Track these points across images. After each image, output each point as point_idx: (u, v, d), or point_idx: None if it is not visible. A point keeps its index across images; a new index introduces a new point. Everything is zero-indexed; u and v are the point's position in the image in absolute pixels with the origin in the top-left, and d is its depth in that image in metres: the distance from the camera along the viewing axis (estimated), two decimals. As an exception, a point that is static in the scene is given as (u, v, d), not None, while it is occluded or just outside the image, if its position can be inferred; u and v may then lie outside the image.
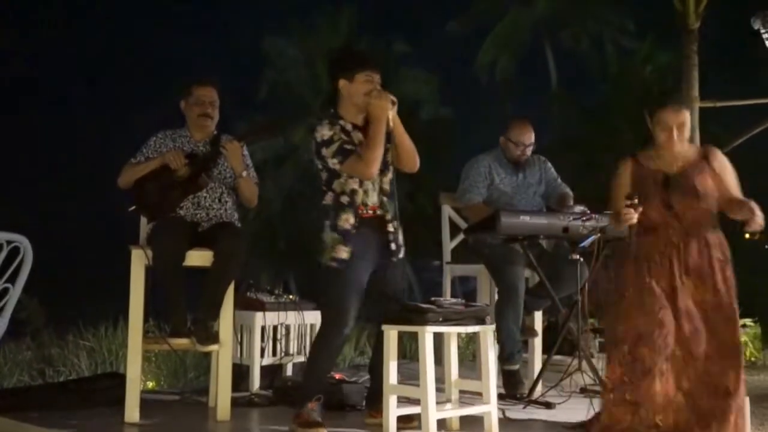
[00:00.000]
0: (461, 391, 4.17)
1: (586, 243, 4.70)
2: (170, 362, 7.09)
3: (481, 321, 4.01)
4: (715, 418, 3.49)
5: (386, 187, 4.05)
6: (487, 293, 5.23)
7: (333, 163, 3.94)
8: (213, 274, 4.22)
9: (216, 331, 4.25)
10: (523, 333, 5.07)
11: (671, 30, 6.60)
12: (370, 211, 4.01)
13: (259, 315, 5.09)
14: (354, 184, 3.97)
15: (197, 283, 4.31)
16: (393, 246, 4.04)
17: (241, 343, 5.11)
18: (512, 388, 4.90)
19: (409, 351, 6.64)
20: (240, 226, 4.57)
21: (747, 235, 3.72)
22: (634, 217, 3.69)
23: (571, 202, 5.16)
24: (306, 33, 25.18)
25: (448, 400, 4.06)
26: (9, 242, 3.99)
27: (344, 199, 3.96)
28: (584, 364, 4.77)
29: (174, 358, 6.82)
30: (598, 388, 4.76)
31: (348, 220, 3.94)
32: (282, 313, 5.17)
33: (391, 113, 3.91)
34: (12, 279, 4.03)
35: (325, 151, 3.95)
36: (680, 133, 3.74)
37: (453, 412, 4.03)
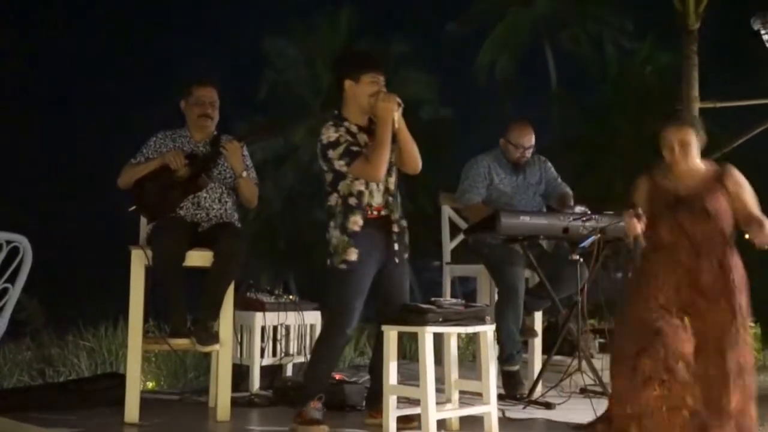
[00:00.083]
0: (461, 392, 4.18)
1: (586, 243, 4.69)
2: (170, 362, 7.09)
3: (480, 321, 4.01)
4: None
5: (391, 187, 4.05)
6: (487, 294, 5.23)
7: (340, 165, 3.94)
8: (213, 274, 4.22)
9: (216, 331, 4.25)
10: (523, 333, 5.07)
11: (671, 30, 6.60)
12: (375, 212, 4.01)
13: (259, 315, 5.09)
14: (360, 186, 3.97)
15: (197, 283, 4.31)
16: (397, 246, 4.04)
17: (241, 344, 5.11)
18: (512, 388, 4.90)
19: (409, 351, 6.64)
20: (240, 227, 4.57)
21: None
22: (637, 227, 3.70)
23: (572, 202, 5.16)
24: (306, 33, 25.18)
25: (448, 401, 4.07)
26: (8, 242, 3.98)
27: (352, 200, 3.96)
28: (584, 364, 4.77)
29: (174, 358, 6.83)
30: (598, 388, 4.77)
31: (357, 222, 3.94)
32: (282, 314, 5.16)
33: (397, 115, 3.91)
34: (12, 279, 4.03)
35: (331, 153, 3.95)
36: (683, 150, 3.72)
37: (453, 413, 4.03)
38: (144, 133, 4.63)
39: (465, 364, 5.73)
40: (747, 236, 3.67)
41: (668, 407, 3.47)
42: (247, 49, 27.41)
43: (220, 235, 4.28)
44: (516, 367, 4.97)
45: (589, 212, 4.85)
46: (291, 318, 5.21)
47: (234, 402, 4.34)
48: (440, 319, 3.83)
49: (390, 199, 4.05)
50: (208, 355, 4.89)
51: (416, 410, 3.85)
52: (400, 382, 4.04)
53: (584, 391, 4.73)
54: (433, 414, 3.75)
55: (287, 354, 5.22)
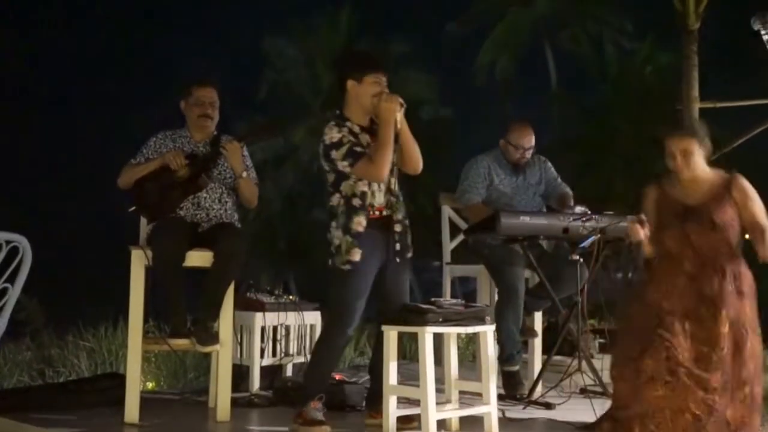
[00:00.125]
0: (461, 392, 4.18)
1: (586, 244, 4.70)
2: (170, 363, 7.08)
3: (481, 321, 4.01)
4: None
5: (393, 187, 4.05)
6: (486, 294, 5.23)
7: (343, 165, 3.94)
8: (213, 274, 4.22)
9: (216, 331, 4.25)
10: (523, 333, 5.07)
11: (671, 30, 6.60)
12: (377, 212, 4.01)
13: (259, 315, 5.09)
14: (364, 187, 3.97)
15: (197, 283, 4.31)
16: (399, 246, 4.04)
17: (240, 344, 5.11)
18: (512, 388, 4.90)
19: (408, 351, 6.63)
20: (240, 227, 4.57)
21: None
22: (640, 233, 3.72)
23: (572, 203, 5.16)
24: (306, 33, 25.18)
25: (448, 401, 4.06)
26: (8, 242, 3.98)
27: (356, 201, 3.96)
28: (584, 364, 4.77)
29: (174, 358, 6.82)
30: (598, 388, 4.77)
31: (360, 223, 3.94)
32: (282, 314, 5.16)
33: (399, 115, 3.91)
34: (11, 279, 4.02)
35: (334, 154, 3.94)
36: (685, 159, 3.71)
37: (453, 413, 4.03)
38: (144, 133, 4.63)
39: (465, 364, 5.72)
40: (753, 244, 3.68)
41: (671, 409, 3.47)
42: (247, 49, 27.42)
43: (220, 235, 4.28)
44: (516, 368, 4.97)
45: (589, 212, 4.85)
46: (291, 318, 5.21)
47: (234, 402, 4.34)
48: (440, 320, 3.83)
49: (392, 199, 4.05)
50: (208, 355, 4.89)
51: (416, 410, 3.85)
52: (400, 382, 4.04)
53: (584, 392, 4.73)
54: (433, 414, 3.75)
55: (287, 354, 5.22)
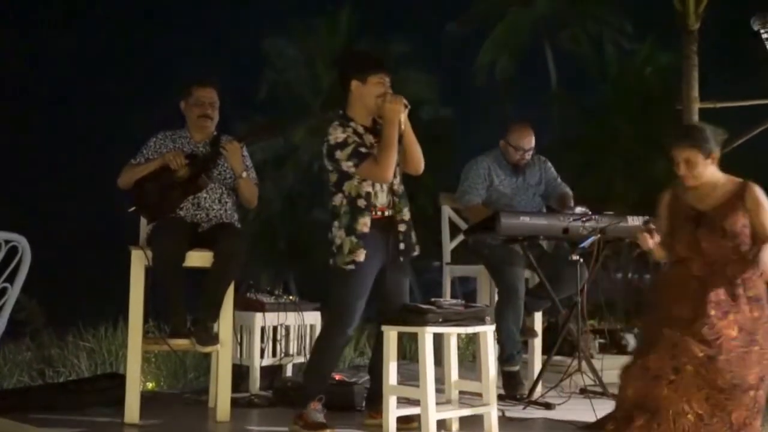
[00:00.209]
0: (461, 392, 4.18)
1: (586, 244, 4.70)
2: (170, 363, 7.07)
3: (480, 321, 4.01)
4: None
5: (397, 188, 4.05)
6: (487, 294, 5.23)
7: (348, 166, 3.94)
8: (213, 274, 4.22)
9: (216, 331, 4.25)
10: (523, 334, 5.07)
11: (671, 30, 6.59)
12: (379, 212, 4.01)
13: (258, 316, 5.09)
14: (368, 187, 3.97)
15: (197, 283, 4.31)
16: (403, 246, 4.04)
17: (240, 344, 5.11)
18: (512, 388, 4.90)
19: (408, 352, 6.63)
20: (240, 227, 4.57)
21: None
22: (648, 242, 3.76)
23: (572, 203, 5.16)
24: (306, 33, 25.18)
25: (448, 401, 4.07)
26: (7, 242, 3.98)
27: (361, 202, 3.95)
28: (584, 364, 4.77)
29: (174, 358, 6.81)
30: (598, 388, 4.77)
31: (366, 224, 3.93)
32: (282, 314, 5.16)
33: (403, 116, 3.91)
34: (10, 279, 4.01)
35: (339, 154, 3.94)
36: (688, 168, 3.72)
37: (453, 413, 4.03)
38: (144, 133, 4.63)
39: (465, 364, 5.72)
40: None
41: (674, 411, 3.47)
42: (247, 49, 27.43)
43: (220, 235, 4.28)
44: (516, 368, 4.97)
45: (589, 213, 4.85)
46: (291, 318, 5.21)
47: (234, 402, 4.34)
48: (440, 320, 3.83)
49: (396, 199, 4.05)
50: (208, 355, 4.89)
51: (416, 410, 3.85)
52: (400, 383, 4.04)
53: (584, 392, 4.73)
54: (433, 414, 3.75)
55: (287, 354, 5.22)
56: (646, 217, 3.96)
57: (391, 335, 3.88)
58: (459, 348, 4.32)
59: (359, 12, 25.38)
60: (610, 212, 4.98)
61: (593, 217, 4.77)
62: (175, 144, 4.52)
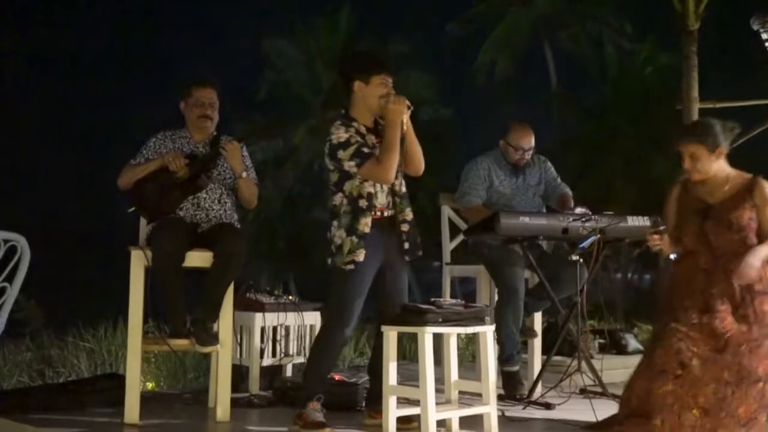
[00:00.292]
0: (461, 392, 4.18)
1: (586, 244, 4.69)
2: (170, 363, 7.08)
3: (480, 322, 4.01)
4: None
5: (398, 188, 4.05)
6: (486, 294, 5.23)
7: (350, 165, 3.93)
8: (213, 275, 4.22)
9: (216, 331, 4.25)
10: (523, 334, 5.07)
11: (671, 31, 6.60)
12: (379, 213, 4.01)
13: (258, 316, 5.08)
14: (370, 188, 3.97)
15: (197, 283, 4.31)
16: (407, 245, 4.04)
17: (240, 344, 5.10)
18: (512, 389, 4.90)
19: (408, 352, 6.63)
20: (239, 227, 4.57)
21: None
22: (658, 244, 3.82)
23: (572, 203, 5.16)
24: (306, 33, 25.16)
25: (448, 401, 4.06)
26: (6, 241, 3.98)
27: (362, 203, 3.95)
28: (584, 364, 4.77)
29: (173, 358, 6.82)
30: (597, 389, 4.77)
31: (367, 224, 3.93)
32: (281, 314, 5.16)
33: (405, 117, 3.91)
34: (9, 278, 4.02)
35: (341, 154, 3.94)
36: (693, 162, 3.76)
37: (452, 413, 4.03)
38: (144, 133, 4.63)
39: (465, 365, 5.73)
40: None
41: (680, 405, 3.48)
42: (247, 49, 27.44)
43: (220, 235, 4.28)
44: (516, 368, 4.97)
45: (589, 213, 4.85)
46: (290, 318, 5.21)
47: (234, 402, 4.34)
48: (440, 320, 3.83)
49: (397, 200, 4.05)
50: (207, 355, 4.89)
51: (416, 411, 3.85)
52: (399, 383, 4.04)
53: (584, 392, 4.73)
54: (432, 414, 3.75)
55: (287, 354, 5.22)
56: (655, 218, 3.99)
57: (390, 335, 3.88)
58: (459, 348, 4.32)
59: (359, 12, 25.38)
60: (610, 212, 4.98)
61: (593, 217, 4.77)
62: (174, 144, 4.52)
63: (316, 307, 5.37)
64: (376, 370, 4.07)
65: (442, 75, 25.67)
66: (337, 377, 4.70)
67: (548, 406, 4.61)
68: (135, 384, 4.16)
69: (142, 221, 4.55)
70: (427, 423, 3.73)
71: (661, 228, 3.83)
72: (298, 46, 25.20)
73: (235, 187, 4.52)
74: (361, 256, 3.91)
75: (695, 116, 6.02)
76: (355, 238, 3.91)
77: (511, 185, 5.19)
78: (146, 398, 4.49)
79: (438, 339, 4.01)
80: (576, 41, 24.58)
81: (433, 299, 3.96)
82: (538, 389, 4.84)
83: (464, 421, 4.07)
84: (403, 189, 4.09)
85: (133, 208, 4.49)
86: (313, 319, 5.30)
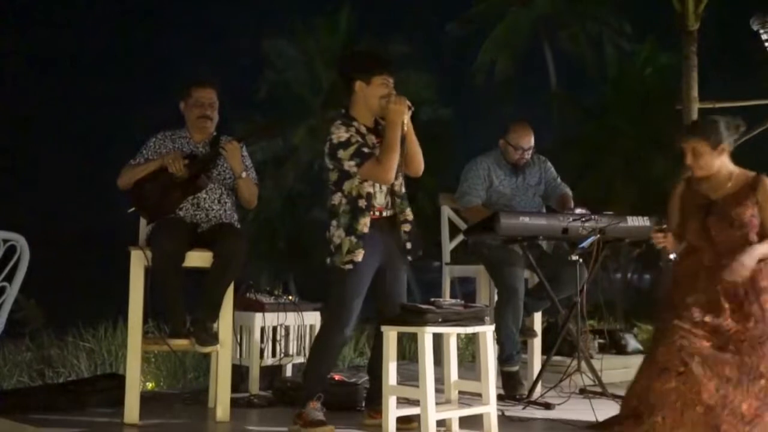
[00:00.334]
0: (461, 392, 4.18)
1: (586, 244, 4.69)
2: (169, 363, 7.08)
3: (480, 322, 4.01)
4: None
5: (398, 188, 4.06)
6: (486, 294, 5.23)
7: (350, 165, 3.93)
8: (213, 275, 4.22)
9: (215, 331, 4.25)
10: (523, 334, 5.07)
11: (671, 31, 6.60)
12: (377, 213, 4.01)
13: (258, 316, 5.08)
14: (369, 188, 3.97)
15: (197, 283, 4.31)
16: (409, 245, 4.05)
17: (240, 344, 5.10)
18: (511, 389, 4.90)
19: (408, 352, 6.64)
20: (239, 227, 4.57)
21: None
22: (661, 241, 3.84)
23: (572, 204, 5.16)
24: (306, 33, 25.15)
25: (448, 401, 4.06)
26: (5, 241, 3.98)
27: (361, 202, 3.95)
28: (583, 364, 4.77)
29: (173, 358, 6.81)
30: (597, 388, 4.77)
31: (366, 224, 3.93)
32: (281, 314, 5.16)
33: (406, 118, 3.92)
34: (9, 278, 4.01)
35: (341, 153, 3.94)
36: (695, 158, 3.78)
37: (452, 413, 4.03)
38: (144, 133, 4.63)
39: (465, 365, 5.73)
40: None
41: (683, 402, 3.48)
42: (247, 49, 27.47)
43: (220, 235, 4.28)
44: (515, 368, 4.97)
45: (589, 213, 4.85)
46: (290, 318, 5.21)
47: (233, 402, 4.34)
48: (440, 320, 3.83)
49: (397, 200, 4.05)
50: (207, 355, 4.89)
51: (416, 411, 3.85)
52: (399, 383, 4.04)
53: (583, 392, 4.73)
54: (432, 414, 3.75)
55: (287, 354, 5.22)
56: (655, 218, 4.01)
57: (390, 335, 3.88)
58: (459, 348, 4.32)
59: (359, 12, 25.38)
60: (610, 212, 4.98)
61: (593, 217, 4.77)
62: (174, 144, 4.52)
63: (316, 307, 5.37)
64: (375, 370, 4.08)
65: (442, 75, 25.72)
66: (337, 377, 4.70)
67: (548, 406, 4.61)
68: (135, 384, 4.16)
69: (142, 221, 4.55)
70: (427, 423, 3.73)
71: (664, 226, 3.86)
72: (298, 46, 25.20)
73: (235, 187, 4.52)
74: (359, 256, 3.91)
75: (695, 116, 6.02)
76: (353, 238, 3.91)
77: (511, 185, 5.19)
78: (146, 398, 4.49)
79: (438, 339, 4.01)
80: (576, 41, 24.58)
81: (432, 299, 3.96)
82: (538, 389, 4.84)
83: (464, 421, 4.07)
84: (403, 189, 4.10)
85: (133, 208, 4.49)
86: (313, 319, 5.30)
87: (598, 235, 4.67)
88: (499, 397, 4.50)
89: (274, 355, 5.18)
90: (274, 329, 5.18)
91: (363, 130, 4.00)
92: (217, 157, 4.47)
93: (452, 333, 3.99)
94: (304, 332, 5.29)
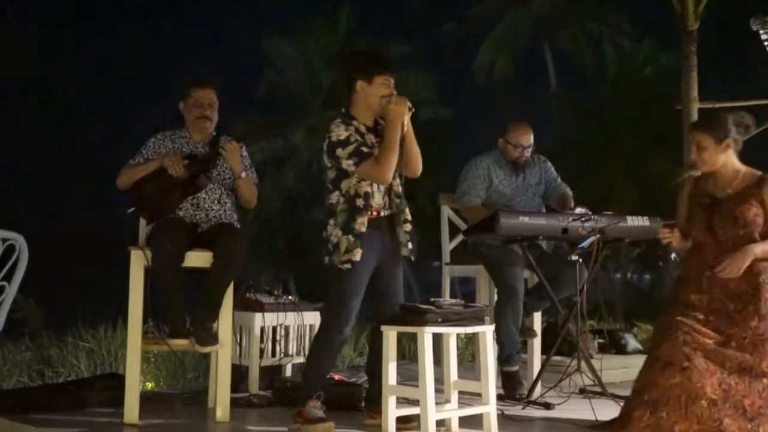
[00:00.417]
0: (461, 392, 4.18)
1: (585, 244, 4.69)
2: (169, 363, 7.08)
3: (480, 321, 4.01)
4: None
5: (396, 188, 4.06)
6: (486, 294, 5.23)
7: (348, 164, 3.93)
8: (212, 275, 4.22)
9: (215, 331, 4.25)
10: (522, 334, 5.07)
11: (671, 31, 6.61)
12: (375, 212, 4.01)
13: (258, 316, 5.08)
14: (367, 187, 3.97)
15: (197, 283, 4.31)
16: (410, 245, 4.05)
17: (240, 344, 5.11)
18: (511, 388, 4.90)
19: (408, 352, 6.64)
20: (239, 227, 4.57)
21: None
22: (668, 237, 3.89)
23: (572, 203, 5.16)
24: (306, 33, 25.17)
25: (448, 401, 4.07)
26: (4, 240, 3.98)
27: (359, 202, 3.95)
28: (583, 364, 4.77)
29: (173, 358, 6.82)
30: (597, 388, 4.77)
31: (364, 224, 3.93)
32: (281, 314, 5.16)
33: (406, 119, 3.92)
34: (7, 277, 4.01)
35: (340, 152, 3.94)
36: (698, 152, 3.82)
37: (452, 413, 4.03)
38: (144, 133, 4.63)
39: (465, 364, 5.73)
40: None
41: (687, 397, 3.48)
42: (247, 49, 27.46)
43: (220, 235, 4.28)
44: (515, 368, 4.97)
45: (589, 213, 4.85)
46: (290, 318, 5.21)
47: (233, 402, 4.34)
48: (439, 320, 3.83)
49: (396, 200, 4.05)
50: (207, 355, 4.89)
51: (415, 411, 3.85)
52: (399, 383, 4.04)
53: (583, 392, 4.73)
54: (432, 414, 3.75)
55: (286, 354, 5.22)
56: (655, 218, 4.04)
57: (390, 335, 3.88)
58: (458, 348, 4.32)
59: (359, 12, 25.40)
60: (610, 212, 4.98)
61: (593, 217, 4.77)
62: (174, 144, 4.52)
63: (315, 307, 5.37)
64: (373, 370, 4.08)
65: (442, 75, 25.72)
66: (336, 377, 4.71)
67: (548, 406, 4.61)
68: (135, 384, 4.16)
69: (142, 221, 4.55)
70: (427, 423, 3.73)
71: (672, 223, 3.90)
72: (298, 46, 25.22)
73: (235, 187, 4.52)
74: (357, 255, 3.91)
75: (695, 116, 6.02)
76: (351, 237, 3.91)
77: (511, 185, 5.19)
78: (146, 398, 4.48)
79: (438, 339, 4.01)
80: (575, 41, 24.59)
81: (432, 299, 3.96)
82: (538, 389, 4.85)
83: (464, 421, 4.07)
84: (400, 189, 4.09)
85: (132, 209, 4.49)
86: (312, 319, 5.30)
87: (598, 235, 4.67)
88: (499, 397, 4.50)
89: (273, 355, 5.18)
90: (274, 329, 5.18)
91: (362, 129, 4.00)
92: (216, 157, 4.47)
93: (452, 333, 3.99)
94: (304, 332, 5.29)
